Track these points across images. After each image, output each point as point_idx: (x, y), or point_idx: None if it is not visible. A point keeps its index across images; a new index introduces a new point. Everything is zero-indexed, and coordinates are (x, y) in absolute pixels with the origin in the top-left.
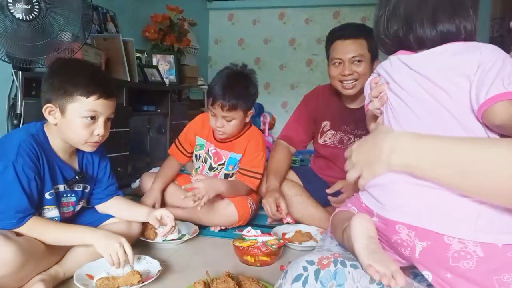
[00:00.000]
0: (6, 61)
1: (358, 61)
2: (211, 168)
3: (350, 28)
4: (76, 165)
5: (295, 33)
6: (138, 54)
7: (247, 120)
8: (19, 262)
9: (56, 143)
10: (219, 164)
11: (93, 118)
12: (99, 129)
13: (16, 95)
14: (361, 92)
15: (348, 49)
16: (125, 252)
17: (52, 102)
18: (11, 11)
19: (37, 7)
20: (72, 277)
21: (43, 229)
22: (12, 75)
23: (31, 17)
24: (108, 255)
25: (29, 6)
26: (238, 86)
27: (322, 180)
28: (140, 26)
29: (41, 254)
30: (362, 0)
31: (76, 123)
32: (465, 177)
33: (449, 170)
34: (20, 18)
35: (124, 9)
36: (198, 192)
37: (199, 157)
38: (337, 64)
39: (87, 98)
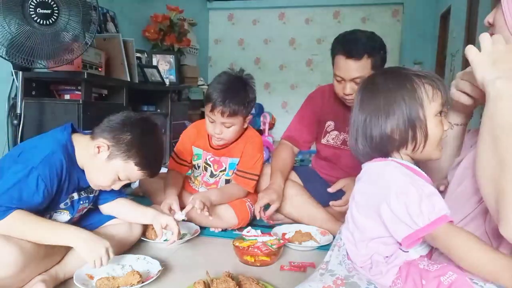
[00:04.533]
0: (31, 67)
1: (360, 81)
2: (212, 175)
3: (355, 45)
4: None
5: (295, 33)
6: (138, 54)
7: (245, 125)
8: (21, 264)
9: (80, 157)
10: (220, 171)
11: (123, 180)
12: (117, 186)
13: (16, 95)
14: None
15: (350, 68)
16: (108, 257)
17: (108, 142)
18: (34, 17)
19: (56, 10)
20: (72, 277)
21: (26, 226)
22: (12, 75)
23: (51, 21)
24: (92, 261)
25: (49, 11)
26: (238, 92)
27: (323, 180)
28: (140, 26)
29: (42, 255)
30: (362, 0)
31: (109, 174)
32: None
33: None
34: (42, 23)
35: (124, 9)
36: (194, 202)
37: (198, 166)
38: (339, 79)
39: (137, 170)
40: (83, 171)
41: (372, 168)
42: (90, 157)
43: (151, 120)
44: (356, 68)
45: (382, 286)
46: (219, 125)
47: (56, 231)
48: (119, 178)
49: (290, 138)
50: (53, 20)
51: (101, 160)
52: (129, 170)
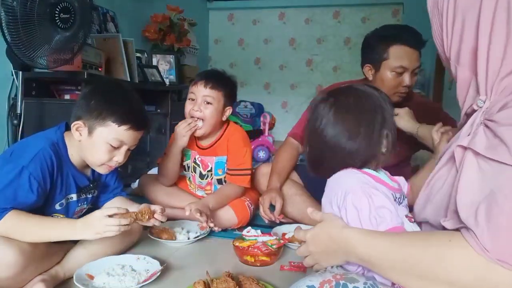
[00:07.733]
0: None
1: (417, 73)
2: (201, 176)
3: (416, 37)
4: (89, 173)
5: (295, 33)
6: (138, 54)
7: (224, 118)
8: (21, 265)
9: (74, 155)
10: (208, 171)
11: (117, 146)
12: (119, 157)
13: (16, 95)
14: None
15: (413, 58)
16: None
17: (82, 120)
18: (58, 23)
19: (73, 14)
20: (72, 277)
21: (23, 224)
22: (12, 75)
23: (68, 25)
24: (100, 235)
25: (68, 15)
26: (220, 73)
27: (324, 180)
28: (140, 26)
29: (42, 255)
30: (362, 0)
31: (100, 146)
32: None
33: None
34: (62, 27)
35: (124, 9)
36: (195, 209)
37: (188, 167)
38: (400, 70)
39: (118, 126)
40: (78, 170)
41: (332, 179)
42: (79, 145)
43: (108, 78)
44: (417, 58)
45: (384, 285)
46: (199, 101)
47: (54, 226)
48: (113, 147)
49: (297, 135)
50: (70, 23)
51: (86, 139)
52: (113, 132)
